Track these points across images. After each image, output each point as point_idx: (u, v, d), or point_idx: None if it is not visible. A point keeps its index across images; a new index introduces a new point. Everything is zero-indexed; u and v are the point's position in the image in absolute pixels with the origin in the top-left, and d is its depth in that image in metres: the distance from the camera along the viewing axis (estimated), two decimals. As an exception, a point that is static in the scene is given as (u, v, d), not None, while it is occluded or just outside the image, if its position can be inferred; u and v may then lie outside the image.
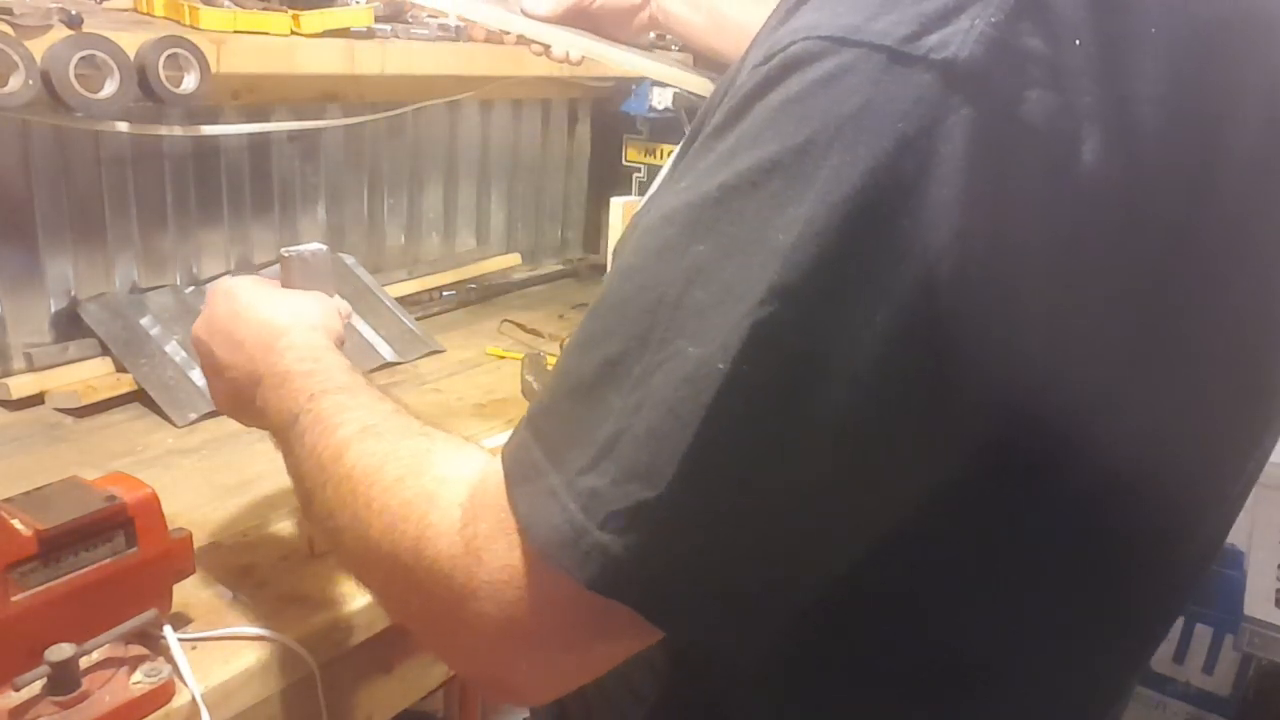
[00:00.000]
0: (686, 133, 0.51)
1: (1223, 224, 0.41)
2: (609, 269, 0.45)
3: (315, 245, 0.79)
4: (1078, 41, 0.36)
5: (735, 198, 0.39)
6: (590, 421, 0.41)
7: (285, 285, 0.77)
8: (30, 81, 0.95)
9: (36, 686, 0.64)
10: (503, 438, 1.15)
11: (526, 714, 0.76)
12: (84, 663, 0.67)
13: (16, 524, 0.64)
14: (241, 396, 0.70)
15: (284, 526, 0.93)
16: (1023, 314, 0.37)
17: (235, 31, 1.13)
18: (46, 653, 0.64)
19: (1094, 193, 0.37)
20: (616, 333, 0.41)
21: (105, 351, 1.19)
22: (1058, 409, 0.40)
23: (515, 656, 0.45)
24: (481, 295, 1.68)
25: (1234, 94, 0.41)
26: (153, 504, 0.70)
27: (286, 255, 0.78)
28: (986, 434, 0.40)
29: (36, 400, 1.14)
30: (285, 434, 0.62)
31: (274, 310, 0.71)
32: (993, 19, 0.36)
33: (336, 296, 0.78)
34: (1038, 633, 0.50)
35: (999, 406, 0.39)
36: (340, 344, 0.72)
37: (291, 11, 1.19)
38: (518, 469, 0.44)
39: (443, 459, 0.51)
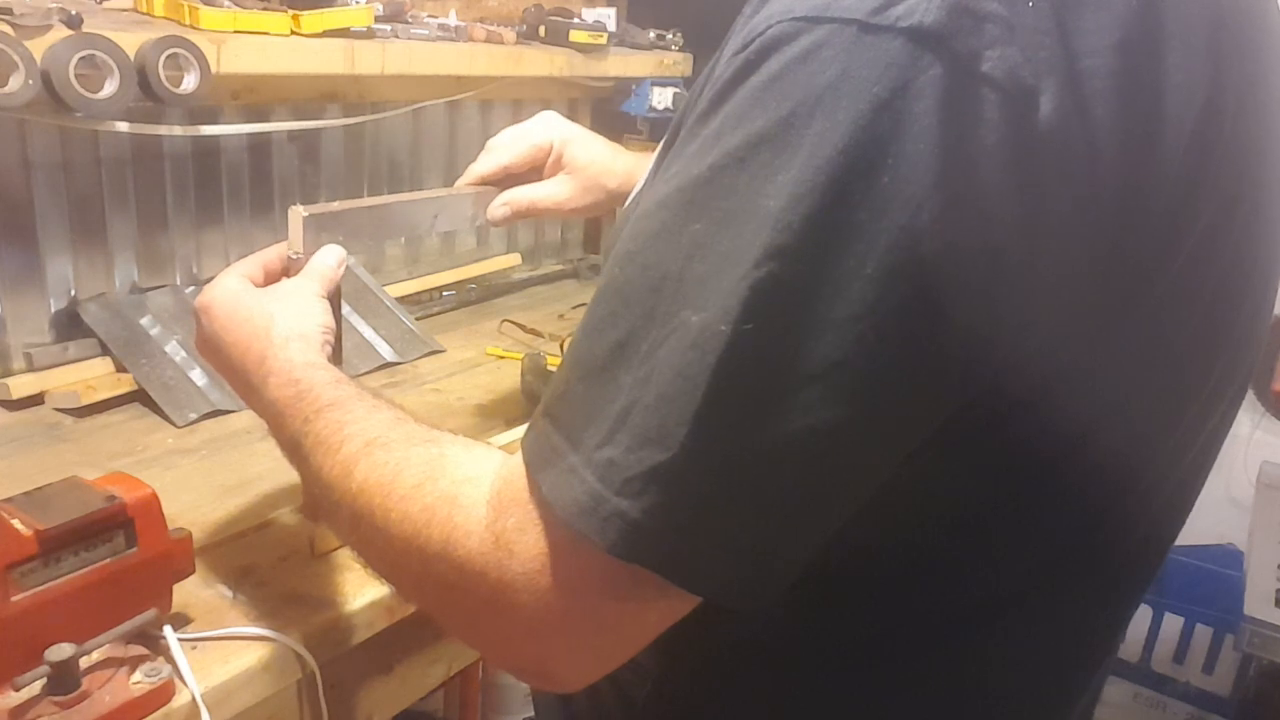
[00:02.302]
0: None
1: (1173, 180, 0.43)
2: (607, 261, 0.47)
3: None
4: (1030, 3, 0.39)
5: (725, 174, 0.41)
6: (604, 400, 0.43)
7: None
8: (30, 81, 0.95)
9: (36, 686, 0.64)
10: (504, 438, 1.16)
11: (527, 715, 0.76)
12: (84, 663, 0.67)
13: (16, 524, 0.64)
14: (254, 409, 0.71)
15: (284, 526, 0.93)
16: (998, 255, 0.40)
17: (235, 31, 1.13)
18: (46, 653, 0.64)
19: (1054, 140, 0.39)
20: (623, 315, 0.43)
21: (105, 351, 1.19)
22: (1035, 348, 0.42)
23: (555, 642, 0.47)
24: (481, 295, 1.68)
25: (1177, 48, 0.43)
26: (153, 504, 0.70)
27: (294, 257, 0.78)
28: (977, 373, 0.42)
29: (36, 400, 1.14)
30: (294, 458, 0.64)
31: (249, 330, 0.70)
32: None
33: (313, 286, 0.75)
34: (1028, 578, 0.52)
35: (986, 344, 0.41)
36: (328, 333, 0.71)
37: (291, 11, 1.19)
38: (538, 456, 0.46)
39: (456, 461, 0.52)
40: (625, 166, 0.93)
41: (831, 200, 0.38)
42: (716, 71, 0.44)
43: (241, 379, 0.70)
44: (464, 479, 0.50)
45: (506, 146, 0.91)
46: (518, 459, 0.47)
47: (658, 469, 0.41)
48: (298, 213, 0.78)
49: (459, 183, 0.91)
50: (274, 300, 0.72)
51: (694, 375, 0.40)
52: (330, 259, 0.77)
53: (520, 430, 1.18)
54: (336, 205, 0.81)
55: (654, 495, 0.41)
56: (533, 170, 0.92)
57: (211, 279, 1.30)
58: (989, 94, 0.38)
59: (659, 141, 0.57)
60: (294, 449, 0.62)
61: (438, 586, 0.50)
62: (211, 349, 0.73)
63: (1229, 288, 0.50)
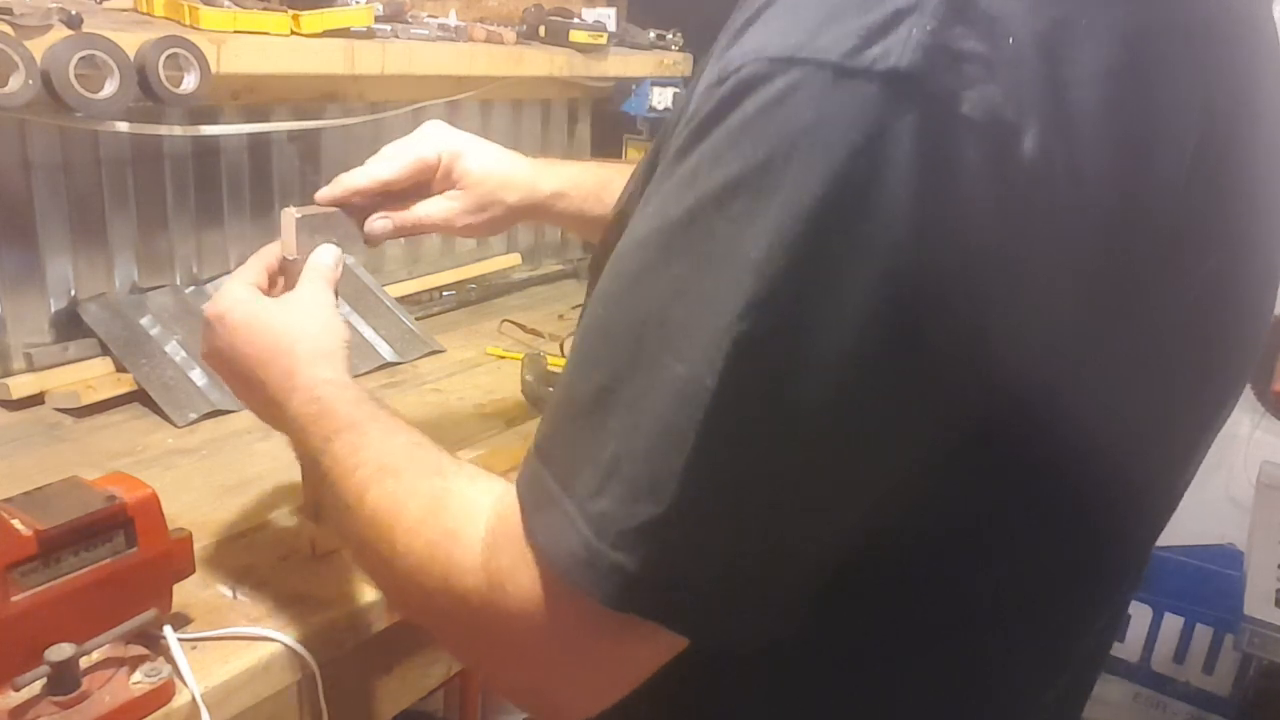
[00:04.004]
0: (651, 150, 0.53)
1: (1173, 204, 0.43)
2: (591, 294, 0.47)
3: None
4: (1010, 40, 0.39)
5: (704, 218, 0.41)
6: (595, 445, 0.43)
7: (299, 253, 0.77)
8: (30, 81, 0.95)
9: (36, 686, 0.64)
10: (503, 438, 1.15)
11: (526, 715, 0.76)
12: (84, 663, 0.67)
13: (16, 524, 0.64)
14: (271, 421, 0.72)
15: (284, 526, 0.93)
16: (985, 296, 0.39)
17: (235, 31, 1.13)
18: (46, 653, 0.64)
19: (1039, 177, 0.39)
20: (607, 357, 0.43)
21: (105, 351, 1.19)
22: (1027, 381, 0.42)
23: (554, 678, 0.48)
24: (481, 295, 1.68)
25: (1172, 76, 0.43)
26: (153, 504, 0.70)
27: (290, 260, 0.78)
28: (967, 408, 0.42)
29: (36, 400, 1.14)
30: (313, 474, 0.64)
31: (270, 343, 0.70)
32: (928, 26, 0.38)
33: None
34: (1031, 588, 0.52)
35: (975, 381, 0.41)
36: (349, 347, 0.72)
37: (291, 11, 1.19)
38: (532, 498, 0.46)
39: (460, 496, 0.52)
40: (527, 178, 0.86)
41: (811, 249, 0.38)
42: (693, 104, 0.44)
43: (258, 392, 0.70)
44: (464, 515, 0.50)
45: (387, 161, 0.83)
46: (512, 496, 0.48)
47: (651, 523, 0.41)
48: (290, 214, 0.78)
49: (322, 193, 0.82)
50: (297, 314, 0.72)
51: (682, 429, 0.40)
52: (328, 259, 0.77)
53: (520, 429, 1.18)
54: (330, 207, 0.81)
55: (649, 549, 0.41)
56: (418, 186, 0.84)
57: (212, 279, 1.30)
58: (969, 135, 0.38)
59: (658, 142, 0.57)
60: (314, 466, 0.63)
61: (440, 619, 0.51)
62: (224, 360, 0.73)
63: (1229, 300, 0.50)
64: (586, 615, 0.44)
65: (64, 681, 0.65)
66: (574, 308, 1.68)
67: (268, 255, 0.78)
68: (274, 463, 1.04)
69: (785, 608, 0.45)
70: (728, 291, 0.39)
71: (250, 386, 0.71)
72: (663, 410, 0.41)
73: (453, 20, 1.46)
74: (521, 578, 0.45)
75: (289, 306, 0.73)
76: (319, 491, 0.64)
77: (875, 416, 0.41)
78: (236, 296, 0.73)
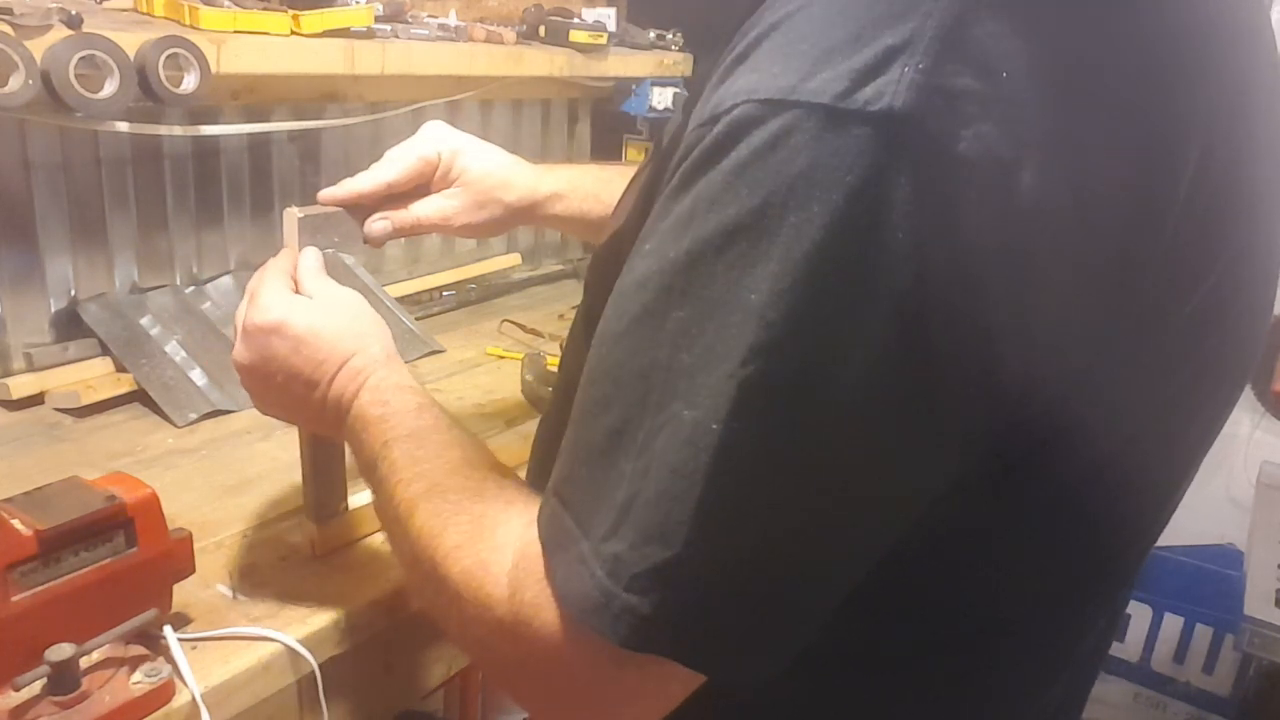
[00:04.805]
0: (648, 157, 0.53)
1: (1178, 219, 0.43)
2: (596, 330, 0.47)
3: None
4: (1005, 74, 0.38)
5: (703, 262, 0.40)
6: (607, 487, 0.44)
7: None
8: (30, 81, 0.95)
9: (36, 686, 0.64)
10: (503, 438, 1.15)
11: (526, 715, 0.76)
12: (84, 663, 0.67)
13: (16, 524, 0.64)
14: (325, 425, 0.71)
15: (284, 526, 0.93)
16: (992, 329, 0.39)
17: (235, 31, 1.13)
18: (46, 653, 0.64)
19: (1041, 210, 0.38)
20: (616, 400, 0.44)
21: (105, 351, 1.19)
22: (1040, 408, 0.42)
23: (579, 709, 0.49)
24: (481, 295, 1.68)
25: (1173, 94, 0.42)
26: (153, 504, 0.70)
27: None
28: (974, 437, 0.42)
29: (36, 400, 1.14)
30: (368, 475, 0.65)
31: (337, 342, 0.69)
32: (921, 65, 0.37)
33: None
34: (1031, 588, 0.52)
35: (983, 411, 0.41)
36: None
37: (291, 11, 1.19)
38: (552, 538, 0.47)
39: (493, 524, 0.53)
40: (527, 181, 0.87)
41: (812, 294, 0.38)
42: (685, 140, 0.43)
43: (311, 392, 0.70)
44: (494, 546, 0.51)
45: (390, 164, 0.83)
46: (534, 533, 0.48)
47: (663, 565, 0.42)
48: (293, 214, 0.78)
49: (327, 193, 0.82)
50: (347, 315, 0.72)
51: (690, 473, 0.40)
52: (314, 262, 0.77)
53: (520, 429, 1.18)
54: (331, 207, 0.81)
55: (662, 591, 0.42)
56: (420, 187, 0.84)
57: (212, 279, 1.30)
58: (967, 174, 0.37)
59: (659, 142, 0.57)
60: (371, 467, 0.64)
61: (474, 645, 0.53)
62: (274, 368, 0.70)
63: (1232, 305, 0.50)
64: (605, 653, 0.44)
65: (64, 681, 0.65)
66: (573, 307, 1.67)
67: (286, 263, 0.77)
68: (274, 463, 1.04)
69: (799, 638, 0.45)
70: (730, 338, 0.39)
71: (306, 389, 0.70)
72: (671, 455, 0.41)
73: (453, 20, 1.46)
74: (544, 614, 0.46)
75: (336, 307, 0.72)
76: (371, 488, 0.65)
77: (885, 456, 0.41)
78: (289, 303, 0.71)
